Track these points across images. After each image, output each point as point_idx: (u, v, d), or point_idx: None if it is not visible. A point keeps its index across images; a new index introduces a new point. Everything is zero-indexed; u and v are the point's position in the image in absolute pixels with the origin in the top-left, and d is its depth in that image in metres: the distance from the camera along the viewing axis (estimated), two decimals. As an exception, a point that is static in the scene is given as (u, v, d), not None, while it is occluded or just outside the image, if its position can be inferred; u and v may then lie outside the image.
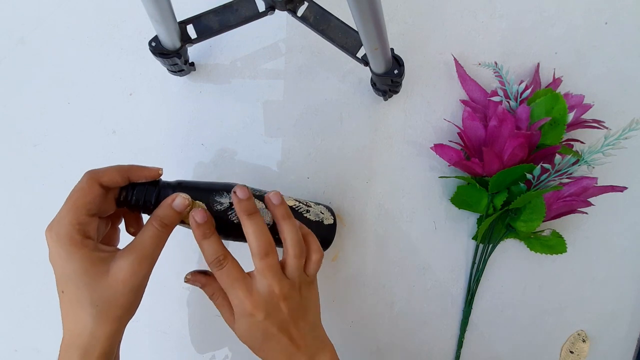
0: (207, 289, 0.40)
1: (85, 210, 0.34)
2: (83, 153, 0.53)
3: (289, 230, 0.38)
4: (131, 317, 0.37)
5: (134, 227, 0.41)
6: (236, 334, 0.39)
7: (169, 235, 0.37)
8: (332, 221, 0.47)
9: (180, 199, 0.37)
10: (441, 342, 0.54)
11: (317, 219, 0.45)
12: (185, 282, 0.40)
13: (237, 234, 0.40)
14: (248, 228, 0.37)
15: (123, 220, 0.42)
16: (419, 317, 0.54)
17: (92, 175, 0.35)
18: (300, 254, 0.39)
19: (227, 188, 0.40)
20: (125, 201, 0.37)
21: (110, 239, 0.40)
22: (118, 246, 0.41)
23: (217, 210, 0.39)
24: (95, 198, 0.34)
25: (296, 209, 0.43)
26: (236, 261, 0.38)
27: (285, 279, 0.38)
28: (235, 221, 0.39)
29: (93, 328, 0.34)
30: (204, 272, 0.40)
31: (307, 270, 0.40)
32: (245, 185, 0.39)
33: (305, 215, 0.44)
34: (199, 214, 0.37)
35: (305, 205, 0.45)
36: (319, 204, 0.47)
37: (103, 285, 0.34)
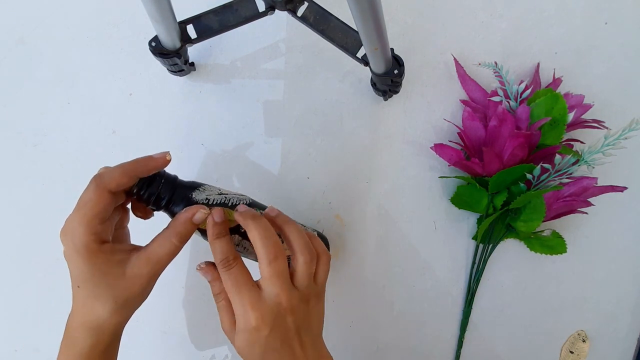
0: (215, 286, 0.37)
1: (98, 220, 0.34)
2: (83, 153, 0.53)
3: (295, 234, 0.36)
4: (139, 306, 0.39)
5: (141, 212, 0.41)
6: (234, 345, 0.36)
7: (183, 246, 0.37)
8: None
9: (200, 214, 0.36)
10: (441, 342, 0.54)
11: None
12: (197, 270, 0.38)
13: (244, 249, 0.40)
14: (253, 231, 0.35)
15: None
16: (419, 317, 0.54)
17: (99, 184, 0.34)
18: (311, 260, 0.36)
19: (239, 203, 0.39)
20: (139, 197, 0.37)
21: (121, 222, 0.40)
22: (128, 225, 0.41)
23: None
24: (106, 207, 0.34)
25: None
26: (246, 267, 0.36)
27: (295, 290, 0.35)
28: (242, 231, 0.39)
29: (108, 317, 0.35)
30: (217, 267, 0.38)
31: (316, 278, 0.38)
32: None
33: None
34: (217, 213, 0.36)
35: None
36: (315, 232, 0.46)
37: (122, 286, 0.35)
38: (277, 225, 0.38)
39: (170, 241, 0.36)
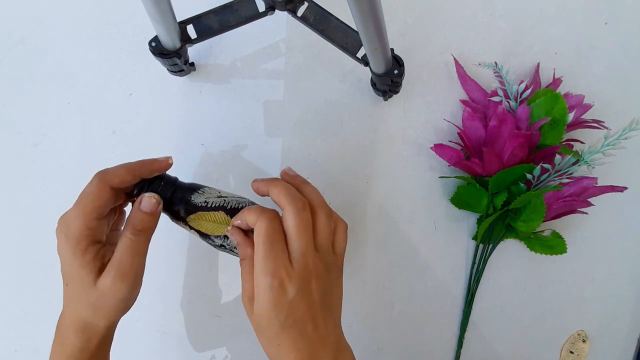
0: (241, 249, 0.36)
1: (96, 214, 0.34)
2: (83, 153, 0.53)
3: (313, 190, 0.36)
4: (128, 310, 0.38)
5: None
6: (254, 314, 0.34)
7: (148, 241, 0.36)
8: None
9: (146, 200, 0.36)
10: (441, 342, 0.54)
11: None
12: (227, 230, 0.37)
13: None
14: (276, 188, 0.34)
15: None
16: (419, 317, 0.54)
17: (102, 179, 0.34)
18: (330, 214, 0.35)
19: (239, 206, 0.39)
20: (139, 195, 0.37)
21: (116, 224, 0.41)
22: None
23: (209, 243, 0.39)
24: (106, 202, 0.35)
25: None
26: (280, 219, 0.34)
27: (317, 252, 0.34)
28: (221, 253, 0.40)
29: (91, 320, 0.36)
30: (246, 232, 0.37)
31: (335, 247, 0.37)
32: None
33: None
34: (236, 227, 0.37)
35: None
36: None
37: (95, 293, 0.35)
38: (295, 185, 0.37)
39: (126, 236, 0.35)
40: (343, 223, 0.38)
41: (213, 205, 0.38)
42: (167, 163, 0.38)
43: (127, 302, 0.37)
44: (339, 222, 0.38)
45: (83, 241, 0.34)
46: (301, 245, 0.33)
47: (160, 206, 0.36)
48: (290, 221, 0.33)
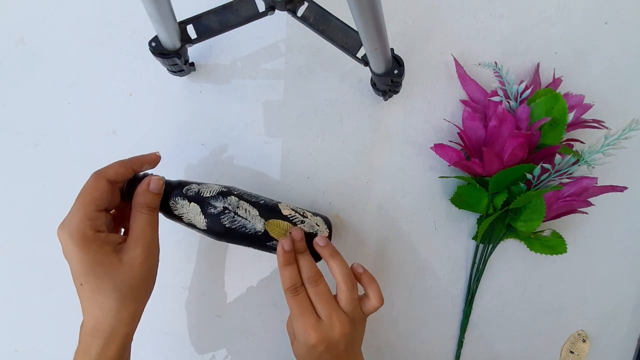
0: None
1: (94, 206, 0.36)
2: (83, 153, 0.53)
3: (337, 266, 0.42)
4: (149, 298, 0.40)
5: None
6: (292, 349, 0.42)
7: (158, 217, 0.40)
8: (326, 234, 0.46)
9: (154, 182, 0.39)
10: (441, 342, 0.54)
11: (312, 231, 0.44)
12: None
13: (229, 237, 0.42)
14: (302, 261, 0.41)
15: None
16: (419, 317, 0.54)
17: (99, 173, 0.37)
18: (353, 288, 0.41)
19: (223, 193, 0.41)
20: (130, 193, 0.39)
21: (115, 229, 0.43)
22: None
23: (211, 213, 0.40)
24: (103, 194, 0.37)
25: (291, 218, 0.43)
26: (307, 294, 0.41)
27: (344, 314, 0.40)
28: (227, 225, 0.41)
29: (119, 310, 0.36)
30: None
31: (363, 309, 0.42)
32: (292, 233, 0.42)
33: (299, 226, 0.44)
34: (288, 242, 0.41)
35: (301, 215, 0.45)
36: (317, 214, 0.46)
37: (121, 272, 0.36)
38: (323, 256, 0.43)
39: (140, 213, 0.38)
40: (378, 301, 0.42)
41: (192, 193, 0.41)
42: (155, 156, 0.42)
43: (153, 276, 0.39)
44: (371, 284, 0.43)
45: (88, 230, 0.35)
46: (327, 314, 0.40)
47: (163, 186, 0.40)
48: (312, 294, 0.40)
